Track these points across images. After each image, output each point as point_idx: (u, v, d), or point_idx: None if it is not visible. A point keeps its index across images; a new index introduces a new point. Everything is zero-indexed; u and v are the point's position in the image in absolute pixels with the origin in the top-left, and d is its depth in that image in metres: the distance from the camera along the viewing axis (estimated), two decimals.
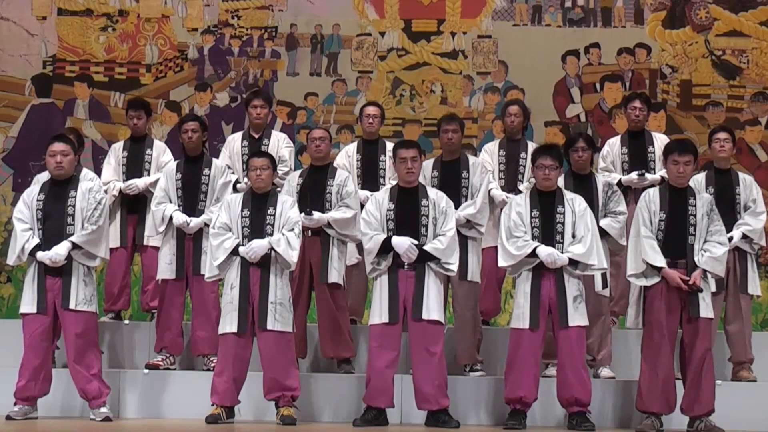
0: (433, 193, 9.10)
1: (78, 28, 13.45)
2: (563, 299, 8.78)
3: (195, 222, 9.64)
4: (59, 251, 8.87)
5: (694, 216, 8.80)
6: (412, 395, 8.97)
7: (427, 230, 8.96)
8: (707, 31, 13.22)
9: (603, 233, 9.26)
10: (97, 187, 9.22)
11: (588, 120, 13.28)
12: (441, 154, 9.89)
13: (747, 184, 9.79)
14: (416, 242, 8.86)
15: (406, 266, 8.88)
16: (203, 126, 9.94)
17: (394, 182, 9.54)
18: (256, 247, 8.85)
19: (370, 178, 10.22)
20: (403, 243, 8.86)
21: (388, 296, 8.87)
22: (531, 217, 8.91)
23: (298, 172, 9.86)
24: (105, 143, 12.87)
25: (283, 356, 8.91)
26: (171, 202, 9.72)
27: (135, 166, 10.38)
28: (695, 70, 13.22)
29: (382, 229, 8.95)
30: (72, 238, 8.92)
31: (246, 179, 9.61)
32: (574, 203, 8.96)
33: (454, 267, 8.97)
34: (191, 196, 9.72)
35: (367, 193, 9.94)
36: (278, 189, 9.53)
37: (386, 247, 8.88)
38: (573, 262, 8.81)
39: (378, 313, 8.89)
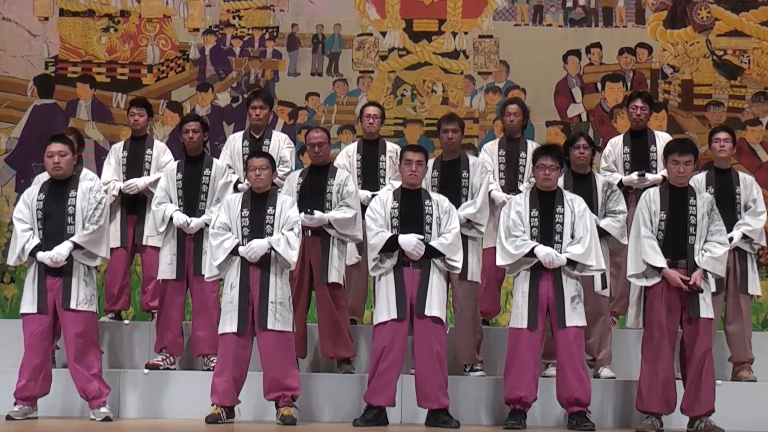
0: (435, 195, 9.14)
1: (80, 28, 13.44)
2: (561, 299, 8.78)
3: (195, 222, 9.65)
4: (60, 251, 8.87)
5: (695, 216, 8.79)
6: (413, 394, 8.97)
7: (431, 228, 8.96)
8: (708, 31, 13.20)
9: (603, 233, 9.27)
10: (97, 187, 9.23)
11: (589, 120, 13.25)
12: (441, 154, 9.89)
13: (747, 184, 9.77)
14: (422, 237, 8.88)
15: (411, 264, 8.88)
16: (204, 126, 9.94)
17: (395, 182, 9.55)
18: (256, 246, 8.86)
19: (370, 178, 10.22)
20: (410, 240, 8.87)
21: (395, 293, 8.86)
22: (530, 217, 8.91)
23: (299, 171, 9.86)
24: (107, 144, 12.83)
25: (283, 356, 8.91)
26: (171, 202, 9.73)
27: (135, 165, 10.38)
28: (696, 70, 13.20)
29: (386, 228, 8.96)
30: (73, 238, 8.92)
31: (247, 179, 9.61)
32: (574, 204, 8.96)
33: (459, 264, 8.98)
34: (192, 197, 9.72)
35: (367, 193, 9.96)
36: (278, 189, 9.53)
37: (391, 246, 8.89)
38: (571, 263, 8.81)
39: (386, 310, 8.87)
